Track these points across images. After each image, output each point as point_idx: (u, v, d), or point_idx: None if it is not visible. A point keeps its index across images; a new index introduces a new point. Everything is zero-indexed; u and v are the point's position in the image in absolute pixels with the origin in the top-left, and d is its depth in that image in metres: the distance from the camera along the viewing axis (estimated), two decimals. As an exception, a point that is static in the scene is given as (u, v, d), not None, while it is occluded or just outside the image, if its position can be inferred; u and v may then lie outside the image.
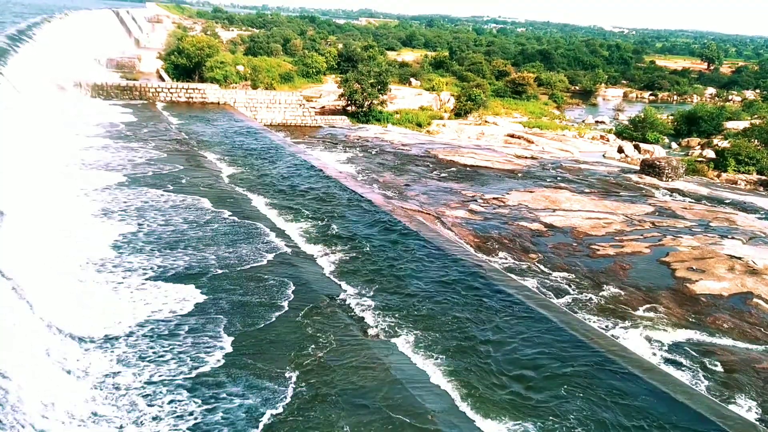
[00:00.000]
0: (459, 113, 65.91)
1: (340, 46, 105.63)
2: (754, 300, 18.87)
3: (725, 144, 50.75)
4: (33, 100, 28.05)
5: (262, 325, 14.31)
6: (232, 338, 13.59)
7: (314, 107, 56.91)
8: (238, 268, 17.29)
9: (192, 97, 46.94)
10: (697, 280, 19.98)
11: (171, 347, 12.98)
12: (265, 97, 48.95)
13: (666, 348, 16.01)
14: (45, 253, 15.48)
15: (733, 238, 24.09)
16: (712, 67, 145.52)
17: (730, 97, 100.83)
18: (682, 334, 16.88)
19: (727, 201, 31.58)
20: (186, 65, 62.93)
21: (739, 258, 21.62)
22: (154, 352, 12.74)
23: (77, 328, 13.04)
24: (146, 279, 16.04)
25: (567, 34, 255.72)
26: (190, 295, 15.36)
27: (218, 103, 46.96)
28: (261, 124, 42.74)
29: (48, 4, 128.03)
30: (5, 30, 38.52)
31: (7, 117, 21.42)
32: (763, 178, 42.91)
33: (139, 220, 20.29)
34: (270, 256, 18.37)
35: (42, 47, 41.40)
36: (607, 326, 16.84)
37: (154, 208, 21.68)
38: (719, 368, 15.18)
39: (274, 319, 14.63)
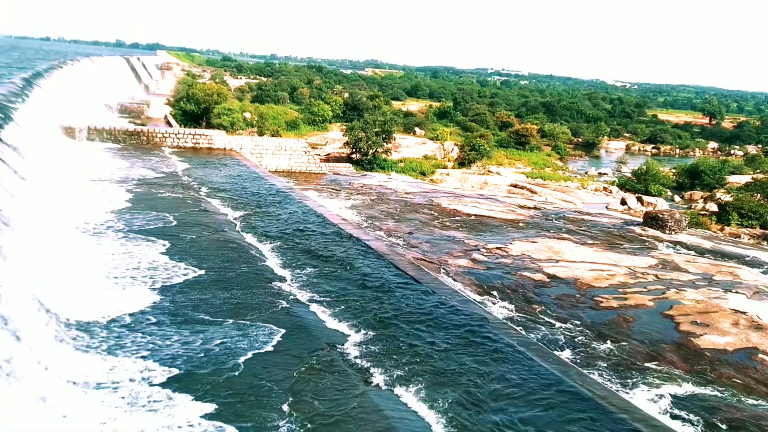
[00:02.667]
0: (462, 163, 66.48)
1: (346, 95, 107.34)
2: (760, 355, 18.63)
3: (728, 198, 50.92)
4: (41, 147, 28.44)
5: (260, 370, 14.13)
6: (230, 384, 13.42)
7: (319, 154, 57.47)
8: (236, 316, 17.16)
9: (198, 143, 47.48)
10: (701, 335, 19.78)
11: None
12: (271, 144, 49.48)
13: (671, 403, 15.74)
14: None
15: (737, 292, 23.94)
16: (714, 122, 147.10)
17: (732, 152, 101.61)
18: (687, 389, 16.63)
19: (735, 257, 31.46)
20: (194, 111, 63.86)
21: (744, 312, 21.44)
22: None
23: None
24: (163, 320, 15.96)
25: (570, 87, 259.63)
26: (175, 339, 15.24)
27: (224, 149, 47.46)
28: (266, 171, 43.09)
29: (63, 50, 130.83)
30: (17, 75, 39.31)
31: (25, 166, 21.71)
32: (767, 232, 42.89)
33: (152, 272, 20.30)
34: (271, 303, 18.27)
35: (53, 92, 42.17)
36: (611, 381, 16.60)
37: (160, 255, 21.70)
38: (725, 425, 14.90)
39: (272, 366, 14.46)
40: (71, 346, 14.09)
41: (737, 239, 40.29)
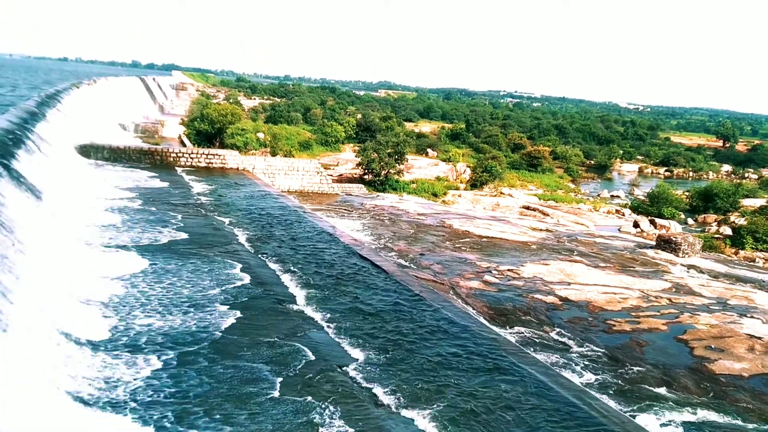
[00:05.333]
0: (475, 184, 66.48)
1: (359, 116, 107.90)
2: (776, 382, 18.35)
3: (742, 221, 50.50)
4: (59, 168, 28.79)
5: (267, 391, 14.07)
6: (236, 405, 13.38)
7: (331, 175, 57.70)
8: (242, 332, 17.15)
9: (212, 163, 47.81)
10: (716, 360, 19.52)
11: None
12: (283, 164, 49.72)
13: (686, 430, 15.52)
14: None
15: (752, 316, 23.66)
16: (727, 145, 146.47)
17: (746, 175, 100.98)
18: (702, 416, 16.39)
19: (750, 281, 31.13)
20: (208, 131, 64.46)
21: (759, 338, 21.16)
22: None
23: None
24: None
25: (582, 110, 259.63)
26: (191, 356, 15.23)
27: (237, 169, 47.74)
28: (279, 191, 43.27)
29: (80, 71, 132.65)
30: (36, 95, 39.90)
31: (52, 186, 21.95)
32: (782, 256, 42.43)
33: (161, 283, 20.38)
34: (277, 321, 18.24)
35: (69, 112, 42.75)
36: (625, 405, 16.40)
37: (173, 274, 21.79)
38: (741, 453, 14.65)
39: (278, 386, 14.39)
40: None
41: (752, 263, 39.87)
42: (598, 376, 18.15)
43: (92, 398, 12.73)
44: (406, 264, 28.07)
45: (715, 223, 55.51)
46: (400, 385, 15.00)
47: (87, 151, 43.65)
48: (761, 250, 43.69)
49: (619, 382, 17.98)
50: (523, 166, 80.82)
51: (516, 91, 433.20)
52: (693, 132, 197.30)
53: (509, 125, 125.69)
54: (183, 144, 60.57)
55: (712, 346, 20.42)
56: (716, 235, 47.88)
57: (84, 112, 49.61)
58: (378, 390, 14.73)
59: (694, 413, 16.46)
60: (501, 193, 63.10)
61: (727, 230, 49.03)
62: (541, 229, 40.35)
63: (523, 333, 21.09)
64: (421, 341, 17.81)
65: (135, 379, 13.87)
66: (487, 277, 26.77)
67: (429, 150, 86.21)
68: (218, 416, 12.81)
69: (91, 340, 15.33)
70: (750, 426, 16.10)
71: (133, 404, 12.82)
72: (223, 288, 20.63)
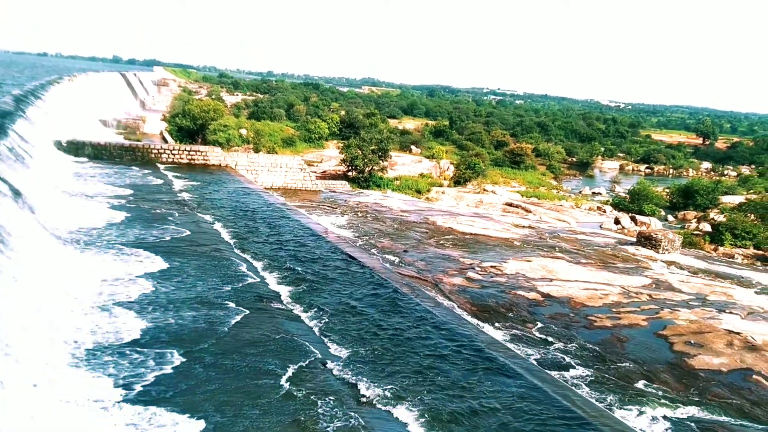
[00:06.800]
0: (458, 181, 66.68)
1: (343, 112, 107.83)
2: (754, 377, 18.64)
3: (721, 218, 51.15)
4: (42, 162, 28.47)
5: (247, 386, 14.07)
6: (217, 399, 13.36)
7: (315, 172, 57.59)
8: (225, 329, 17.12)
9: (194, 159, 47.49)
10: (695, 355, 19.79)
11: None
12: (266, 161, 49.51)
13: (666, 424, 15.72)
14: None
15: (731, 312, 23.99)
16: (707, 143, 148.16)
17: (725, 172, 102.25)
18: (682, 411, 16.61)
19: (729, 277, 31.55)
20: (190, 127, 64.07)
21: (738, 333, 21.47)
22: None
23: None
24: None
25: (564, 107, 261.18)
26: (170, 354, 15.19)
27: (219, 165, 47.48)
28: (262, 187, 43.11)
29: (60, 66, 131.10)
30: (16, 90, 39.42)
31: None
32: (760, 252, 43.08)
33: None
34: (259, 319, 18.22)
35: (49, 108, 42.28)
36: (605, 400, 16.58)
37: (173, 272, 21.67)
38: (719, 447, 14.87)
39: (260, 383, 14.39)
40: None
41: (731, 259, 40.42)
42: (580, 372, 18.34)
43: (97, 398, 12.67)
44: (390, 261, 28.13)
45: (695, 219, 56.17)
46: (384, 382, 15.05)
47: (68, 148, 43.19)
48: (740, 247, 44.30)
49: (601, 377, 18.17)
50: (506, 163, 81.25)
51: (499, 89, 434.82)
52: (673, 129, 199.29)
53: (492, 122, 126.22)
54: (165, 140, 60.17)
55: (692, 342, 20.69)
56: (696, 232, 48.44)
57: (64, 109, 49.12)
58: (362, 387, 14.77)
59: (675, 408, 16.69)
60: (484, 190, 63.37)
61: (707, 227, 49.62)
62: (523, 226, 40.59)
63: (505, 329, 21.23)
64: (406, 338, 17.88)
65: (146, 377, 13.92)
66: (471, 274, 26.90)
67: (413, 147, 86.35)
68: (228, 411, 12.98)
69: (96, 339, 15.25)
70: (728, 420, 16.35)
71: (142, 401, 12.85)
72: (208, 287, 20.57)
